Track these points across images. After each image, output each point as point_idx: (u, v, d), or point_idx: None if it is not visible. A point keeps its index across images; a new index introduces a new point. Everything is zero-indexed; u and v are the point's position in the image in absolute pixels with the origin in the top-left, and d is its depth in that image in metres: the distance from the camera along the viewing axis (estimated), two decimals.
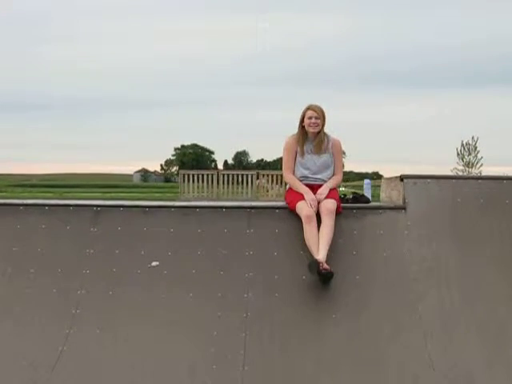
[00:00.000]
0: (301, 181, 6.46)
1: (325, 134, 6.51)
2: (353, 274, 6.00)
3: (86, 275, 6.10)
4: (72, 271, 6.12)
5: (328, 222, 6.08)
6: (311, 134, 6.46)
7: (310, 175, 6.47)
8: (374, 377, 5.32)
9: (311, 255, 5.97)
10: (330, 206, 6.17)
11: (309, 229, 6.06)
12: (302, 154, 6.47)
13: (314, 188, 6.39)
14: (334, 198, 6.30)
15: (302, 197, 6.29)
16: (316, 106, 6.50)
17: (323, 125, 6.47)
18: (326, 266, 5.82)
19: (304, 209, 6.17)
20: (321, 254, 5.91)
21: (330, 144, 6.52)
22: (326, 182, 6.46)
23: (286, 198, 6.56)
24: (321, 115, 6.44)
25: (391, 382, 5.30)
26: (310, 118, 6.45)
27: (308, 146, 6.48)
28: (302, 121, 6.49)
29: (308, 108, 6.50)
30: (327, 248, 5.96)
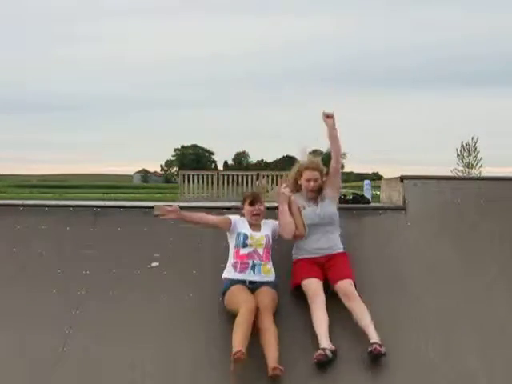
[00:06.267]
0: (303, 254, 5.83)
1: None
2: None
3: (85, 275, 6.11)
4: (72, 271, 6.14)
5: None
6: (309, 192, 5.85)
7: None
8: (374, 377, 5.32)
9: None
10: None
11: (315, 310, 5.52)
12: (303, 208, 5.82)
13: (321, 261, 5.77)
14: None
15: (307, 274, 5.71)
16: (313, 165, 5.79)
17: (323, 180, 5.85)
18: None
19: (309, 287, 5.64)
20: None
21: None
22: (333, 233, 5.88)
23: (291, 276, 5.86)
24: (319, 174, 5.80)
25: (391, 382, 5.30)
26: (309, 180, 5.79)
27: (305, 197, 5.91)
28: (299, 178, 5.85)
29: (306, 168, 5.80)
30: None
